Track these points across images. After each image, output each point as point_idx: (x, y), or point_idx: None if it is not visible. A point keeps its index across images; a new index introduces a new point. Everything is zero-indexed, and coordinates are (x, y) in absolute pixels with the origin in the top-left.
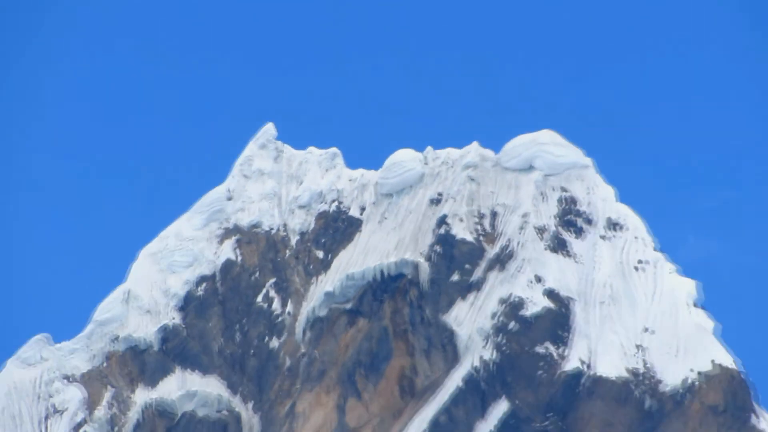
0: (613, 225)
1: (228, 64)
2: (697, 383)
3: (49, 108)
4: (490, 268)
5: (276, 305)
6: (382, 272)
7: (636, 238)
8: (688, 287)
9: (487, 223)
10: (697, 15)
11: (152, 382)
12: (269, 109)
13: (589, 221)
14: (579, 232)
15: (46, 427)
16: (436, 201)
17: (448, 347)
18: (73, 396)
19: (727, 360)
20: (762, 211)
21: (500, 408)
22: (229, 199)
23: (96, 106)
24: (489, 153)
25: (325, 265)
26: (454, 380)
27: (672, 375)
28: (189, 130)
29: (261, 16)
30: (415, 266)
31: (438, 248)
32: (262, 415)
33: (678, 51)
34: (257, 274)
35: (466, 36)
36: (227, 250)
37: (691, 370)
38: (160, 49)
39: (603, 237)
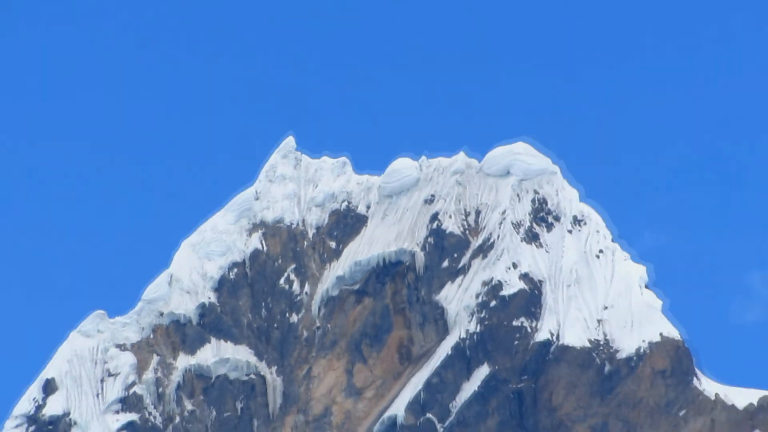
0: (578, 221)
1: (255, 73)
2: (647, 351)
3: (107, 104)
4: (474, 256)
5: (296, 287)
6: (384, 259)
7: (597, 231)
8: (640, 272)
9: (471, 219)
10: (651, 20)
11: (191, 351)
12: (288, 115)
13: (557, 218)
14: (549, 226)
15: (102, 388)
16: (429, 201)
17: (439, 321)
18: (125, 362)
19: (673, 332)
20: (702, 209)
21: (482, 371)
22: (257, 199)
23: (155, 108)
24: (473, 161)
25: (336, 253)
26: (444, 348)
27: (627, 344)
28: (220, 135)
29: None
30: (412, 255)
31: (431, 240)
32: (283, 377)
33: (640, 63)
34: (280, 261)
35: (447, 53)
36: (255, 242)
37: (643, 341)
38: (194, 58)
39: (569, 231)
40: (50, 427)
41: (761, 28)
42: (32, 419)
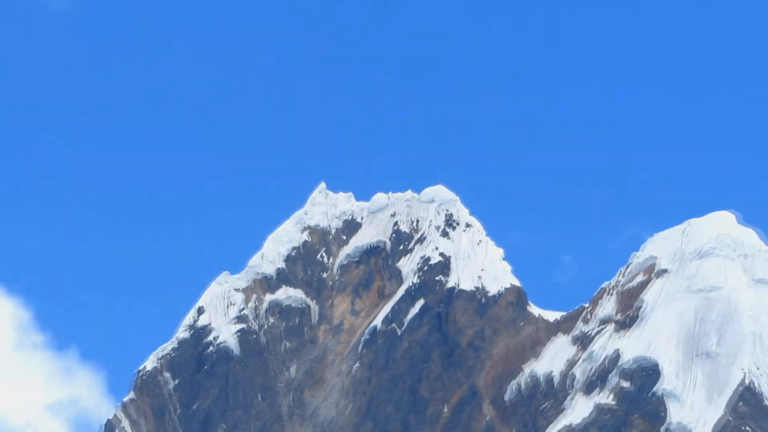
0: (468, 225)
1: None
2: (504, 291)
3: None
4: (417, 243)
5: (325, 260)
6: (370, 245)
7: (478, 231)
8: (500, 252)
9: (414, 224)
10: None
11: (273, 292)
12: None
13: (458, 223)
14: (454, 228)
15: (227, 313)
16: (393, 215)
17: (398, 277)
18: (238, 298)
19: (515, 281)
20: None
21: (420, 303)
22: (306, 213)
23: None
24: (415, 195)
25: (346, 241)
26: (400, 291)
27: (493, 288)
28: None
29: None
30: (385, 243)
31: (394, 236)
32: (319, 306)
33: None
34: (317, 247)
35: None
36: (305, 236)
37: (502, 286)
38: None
39: (463, 230)
40: (201, 331)
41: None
42: (191, 327)
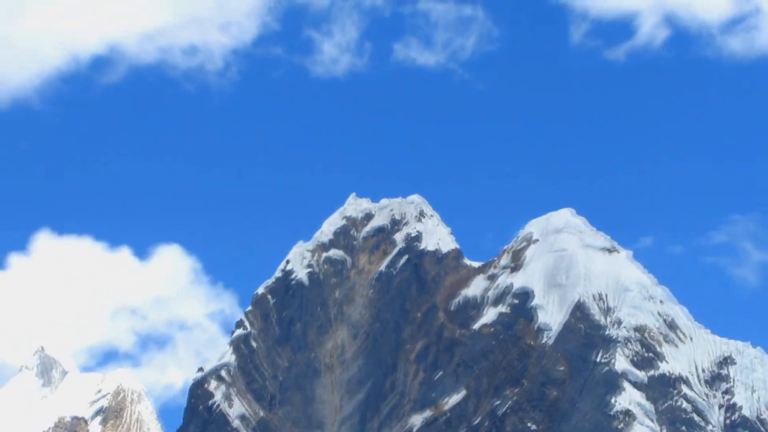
0: (430, 216)
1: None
2: (450, 251)
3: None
4: (405, 224)
5: (354, 233)
6: (379, 226)
7: (437, 219)
8: (448, 230)
9: (403, 215)
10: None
11: (327, 250)
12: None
13: (426, 216)
14: (424, 217)
15: (302, 259)
16: (391, 210)
17: (393, 244)
18: (308, 256)
19: (453, 245)
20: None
21: (404, 258)
22: (344, 209)
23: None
24: (404, 199)
25: (366, 224)
26: (394, 252)
27: (444, 246)
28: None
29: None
30: (387, 225)
31: (392, 221)
32: (352, 261)
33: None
34: (350, 226)
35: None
36: (344, 221)
37: (447, 248)
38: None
39: (429, 218)
40: (288, 272)
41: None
42: (283, 270)
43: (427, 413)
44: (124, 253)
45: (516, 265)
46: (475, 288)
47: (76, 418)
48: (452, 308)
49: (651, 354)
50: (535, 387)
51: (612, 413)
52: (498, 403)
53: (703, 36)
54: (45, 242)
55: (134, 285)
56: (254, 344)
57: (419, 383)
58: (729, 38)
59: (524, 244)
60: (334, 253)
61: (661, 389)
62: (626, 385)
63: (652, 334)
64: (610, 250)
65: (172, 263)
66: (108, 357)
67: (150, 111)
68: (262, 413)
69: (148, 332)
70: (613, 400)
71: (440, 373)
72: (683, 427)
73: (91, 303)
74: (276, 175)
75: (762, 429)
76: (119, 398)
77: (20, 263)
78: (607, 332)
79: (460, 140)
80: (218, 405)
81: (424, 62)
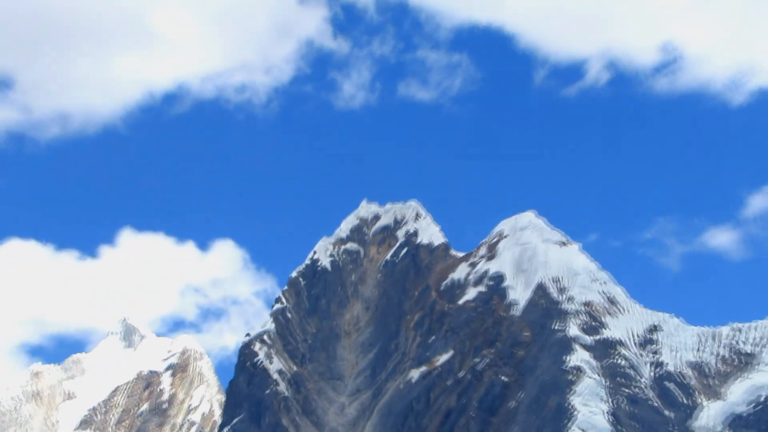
0: (425, 217)
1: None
2: (440, 244)
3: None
4: (404, 224)
5: (366, 230)
6: (385, 224)
7: (429, 219)
8: (438, 227)
9: (403, 216)
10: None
11: (345, 243)
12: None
13: (421, 216)
14: (420, 218)
15: (326, 251)
16: (394, 212)
17: (396, 239)
18: (330, 248)
19: (438, 236)
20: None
21: (404, 250)
22: (358, 212)
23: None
24: (404, 204)
25: (375, 224)
26: (396, 245)
27: (433, 238)
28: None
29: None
30: (391, 224)
31: (394, 220)
32: (364, 251)
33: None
34: (363, 225)
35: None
36: (357, 221)
37: (430, 240)
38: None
39: (423, 219)
40: (315, 261)
41: None
42: (311, 259)
43: (423, 368)
44: (190, 246)
45: (491, 255)
46: (460, 272)
47: (152, 372)
48: (442, 288)
49: (596, 323)
50: (506, 348)
51: (566, 368)
52: (478, 360)
53: (638, 77)
54: (128, 237)
55: (197, 270)
56: (289, 315)
57: (417, 345)
58: (658, 78)
59: (497, 238)
60: (351, 245)
61: (604, 350)
62: (577, 347)
63: (597, 307)
64: (564, 243)
65: (227, 253)
66: (177, 325)
67: (209, 135)
68: (295, 368)
69: (208, 306)
70: (566, 359)
71: (433, 337)
72: (622, 380)
73: (163, 284)
74: (306, 184)
75: (682, 381)
76: (185, 357)
77: (108, 253)
78: (562, 306)
79: (449, 158)
80: (261, 362)
81: (421, 98)
